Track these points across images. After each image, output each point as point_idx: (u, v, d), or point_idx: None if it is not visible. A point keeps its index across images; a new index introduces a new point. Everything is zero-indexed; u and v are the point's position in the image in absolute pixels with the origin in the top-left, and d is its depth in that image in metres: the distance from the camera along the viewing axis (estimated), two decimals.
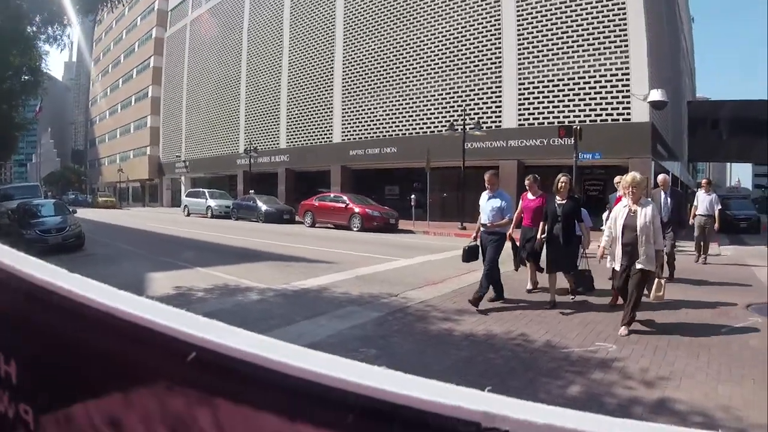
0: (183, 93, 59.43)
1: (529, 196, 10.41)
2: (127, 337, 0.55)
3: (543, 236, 9.36)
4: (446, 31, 30.83)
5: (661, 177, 12.67)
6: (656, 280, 7.69)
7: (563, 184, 9.09)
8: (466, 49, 29.98)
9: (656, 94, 21.56)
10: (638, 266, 7.45)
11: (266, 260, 15.92)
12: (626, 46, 24.79)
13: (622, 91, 24.78)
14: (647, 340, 7.38)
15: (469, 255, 9.64)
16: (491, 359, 6.59)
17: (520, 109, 27.73)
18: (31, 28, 14.16)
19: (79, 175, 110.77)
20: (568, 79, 26.14)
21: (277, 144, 42.61)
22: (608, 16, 25.28)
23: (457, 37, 30.34)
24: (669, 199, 12.25)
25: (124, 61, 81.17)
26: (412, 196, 28.11)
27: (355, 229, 25.93)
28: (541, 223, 9.46)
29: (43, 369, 0.63)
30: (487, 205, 9.36)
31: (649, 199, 8.27)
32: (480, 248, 9.51)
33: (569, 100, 26.12)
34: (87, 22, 15.04)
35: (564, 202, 9.06)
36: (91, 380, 0.60)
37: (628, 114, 24.59)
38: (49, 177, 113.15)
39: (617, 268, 7.86)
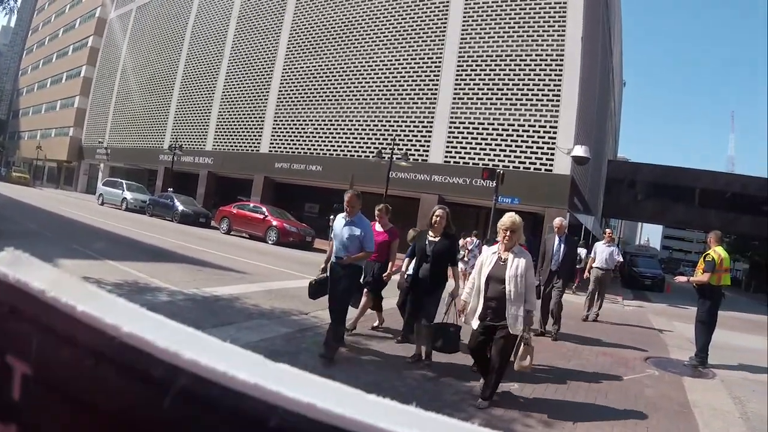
0: (116, 78, 57.46)
1: (377, 227, 9.25)
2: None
3: (406, 275, 8.27)
4: (387, 60, 31.08)
5: (557, 220, 12.08)
6: (523, 345, 6.32)
7: (438, 218, 7.89)
8: (404, 81, 30.22)
9: (580, 150, 22.42)
10: (502, 329, 6.20)
11: (178, 262, 15.74)
12: (558, 101, 25.47)
13: (548, 143, 25.40)
14: (546, 384, 7.67)
15: (317, 290, 8.09)
16: (396, 386, 6.77)
17: (447, 147, 28.10)
18: None
19: None
20: (498, 124, 26.69)
21: (203, 145, 41.86)
22: (545, 70, 26.01)
23: (397, 68, 30.60)
24: (563, 245, 11.55)
25: (62, 35, 78.16)
26: (331, 216, 28.22)
27: (270, 242, 25.88)
28: (406, 260, 8.52)
29: None
30: (343, 231, 7.67)
31: (524, 250, 6.71)
32: (330, 282, 7.81)
33: (496, 144, 26.63)
34: None
35: (437, 239, 7.87)
36: None
37: (551, 165, 25.27)
38: None
39: (474, 326, 6.50)
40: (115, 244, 18.38)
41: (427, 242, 7.93)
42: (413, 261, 8.22)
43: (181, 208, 31.79)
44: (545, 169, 25.47)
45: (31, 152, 71.20)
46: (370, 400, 0.41)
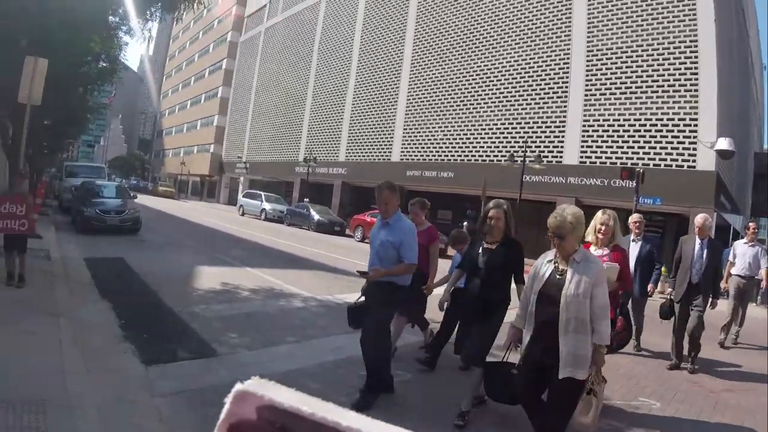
0: (251, 97, 60.83)
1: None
2: None
3: (448, 292, 6.44)
4: (515, 61, 30.64)
5: (699, 218, 8.88)
6: (586, 395, 4.55)
7: (494, 219, 5.72)
8: (533, 81, 29.65)
9: (724, 143, 21.07)
10: (563, 373, 4.29)
11: (313, 269, 16.14)
12: (696, 90, 24.06)
13: (689, 137, 24.07)
14: (693, 399, 6.97)
15: (356, 318, 6.18)
16: (508, 410, 5.69)
17: (582, 146, 27.21)
18: (114, 18, 14.61)
19: (143, 162, 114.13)
20: (635, 120, 25.59)
21: (336, 156, 43.03)
22: (680, 58, 24.69)
23: (525, 69, 30.07)
24: (705, 251, 8.64)
25: (198, 60, 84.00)
26: (464, 223, 27.96)
27: None
28: (455, 272, 6.70)
29: None
30: (378, 237, 5.95)
31: (600, 258, 5.27)
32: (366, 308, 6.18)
33: (634, 142, 25.54)
34: (167, 18, 15.41)
35: (493, 246, 5.76)
36: None
37: (693, 161, 23.90)
38: (115, 161, 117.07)
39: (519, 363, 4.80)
40: (254, 252, 19.17)
41: (480, 250, 5.83)
42: (463, 275, 6.42)
43: (316, 217, 32.70)
44: (688, 166, 24.08)
45: (176, 168, 76.20)
46: None
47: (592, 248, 5.75)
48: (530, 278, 4.76)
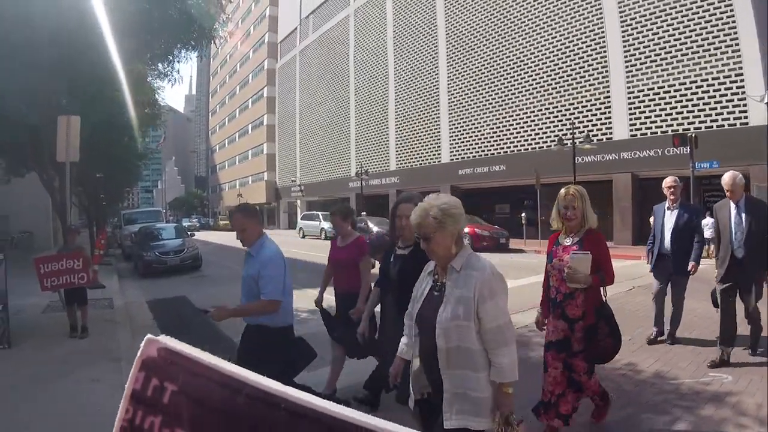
0: (296, 120, 61.91)
1: (338, 242, 6.41)
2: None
3: (366, 319, 5.63)
4: (549, 44, 30.39)
5: (727, 176, 6.83)
6: None
7: (403, 217, 4.61)
8: (570, 60, 29.40)
9: None
10: (449, 422, 3.03)
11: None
12: (737, 45, 23.43)
13: (737, 93, 23.48)
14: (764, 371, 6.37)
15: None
16: None
17: (631, 119, 26.78)
18: (141, 65, 14.96)
19: (202, 199, 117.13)
20: (679, 84, 25.06)
21: (387, 166, 43.33)
22: (715, 14, 24.09)
23: (561, 49, 29.79)
24: (743, 215, 6.73)
25: (239, 92, 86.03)
26: (523, 214, 27.82)
27: None
28: (374, 290, 5.58)
29: None
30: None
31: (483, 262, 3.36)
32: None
33: (682, 107, 25.02)
34: (202, 57, 15.87)
35: (406, 252, 4.73)
36: None
37: (746, 118, 23.24)
38: (174, 202, 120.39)
39: (410, 405, 3.46)
40: (314, 272, 19.02)
41: (392, 259, 4.88)
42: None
43: (375, 229, 32.60)
44: (740, 124, 23.44)
45: (233, 200, 77.70)
46: None
47: (561, 236, 4.85)
48: (412, 296, 3.43)
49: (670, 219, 7.83)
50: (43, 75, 10.97)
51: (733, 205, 6.81)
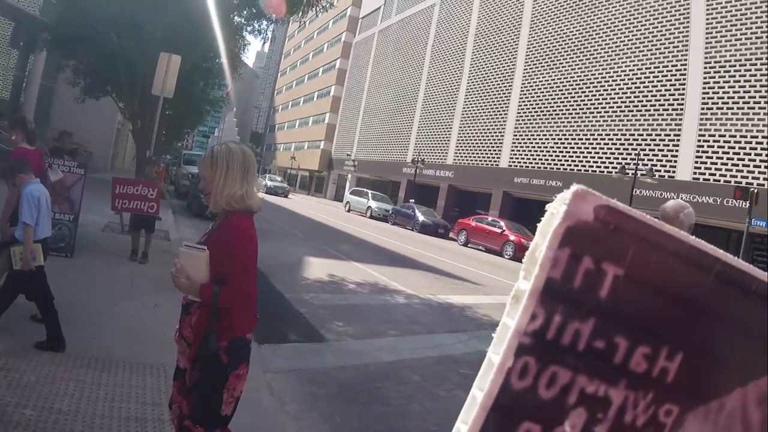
0: (363, 96, 62.36)
1: None
2: None
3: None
4: (629, 70, 30.02)
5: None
6: None
7: None
8: (647, 90, 29.00)
9: None
10: None
11: (416, 268, 16.43)
12: None
13: None
14: None
15: None
16: None
17: (696, 162, 26.41)
18: (240, 19, 15.38)
19: (255, 154, 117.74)
20: (751, 136, 24.61)
21: (444, 159, 43.39)
22: None
23: (639, 77, 29.44)
24: None
25: (312, 59, 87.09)
26: None
27: (506, 257, 25.84)
28: None
29: (710, 361, 0.72)
30: None
31: None
32: None
33: (750, 160, 24.59)
34: (288, 20, 16.30)
35: None
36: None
37: None
38: None
39: None
40: (359, 247, 19.71)
41: None
42: None
43: (421, 218, 33.04)
44: None
45: (286, 162, 78.88)
46: None
47: None
48: None
49: None
50: (143, 8, 11.34)
51: None
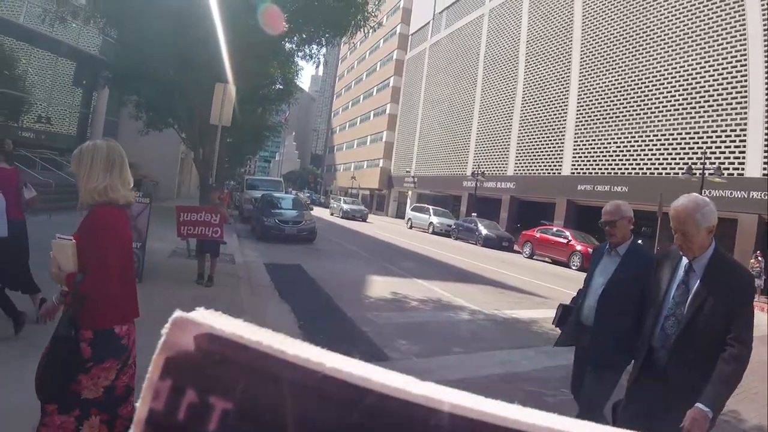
0: (418, 112, 62.71)
1: None
2: None
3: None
4: (689, 66, 29.15)
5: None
6: None
7: None
8: (709, 86, 28.03)
9: None
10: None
11: (480, 283, 16.30)
12: None
13: None
14: None
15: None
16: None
17: (766, 156, 25.34)
18: (291, 45, 15.77)
19: (316, 176, 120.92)
20: None
21: (505, 170, 42.98)
22: None
23: (700, 73, 28.49)
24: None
25: (366, 78, 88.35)
26: (639, 241, 26.93)
27: (574, 268, 25.34)
28: None
29: None
30: None
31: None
32: None
33: None
34: (338, 42, 16.74)
35: None
36: None
37: None
38: (289, 174, 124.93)
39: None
40: (422, 263, 19.71)
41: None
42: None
43: (484, 231, 32.89)
44: None
45: (346, 181, 79.86)
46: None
47: None
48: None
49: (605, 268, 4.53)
50: (194, 43, 11.64)
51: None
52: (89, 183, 3.00)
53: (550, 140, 38.56)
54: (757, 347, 3.30)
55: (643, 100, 31.51)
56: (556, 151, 37.82)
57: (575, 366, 4.71)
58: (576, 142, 36.07)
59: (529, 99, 41.53)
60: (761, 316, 13.37)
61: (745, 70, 26.46)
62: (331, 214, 46.56)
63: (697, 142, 28.00)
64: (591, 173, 34.45)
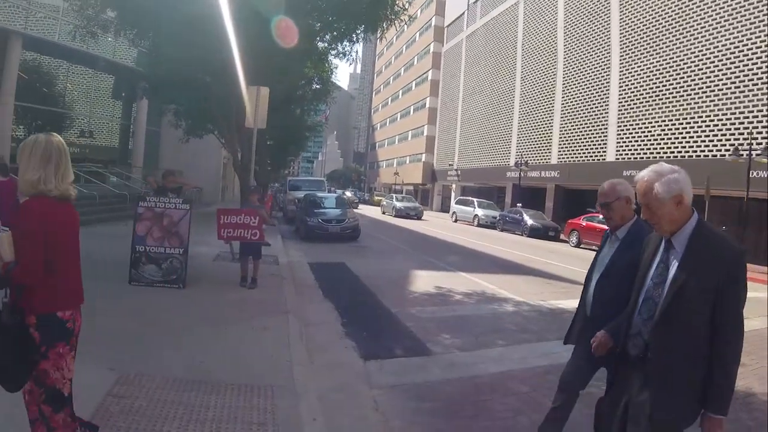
0: (458, 104, 62.46)
1: None
2: None
3: None
4: (730, 44, 28.16)
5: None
6: None
7: None
8: (752, 64, 26.91)
9: None
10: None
11: (526, 274, 16.21)
12: None
13: None
14: None
15: None
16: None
17: None
18: (323, 44, 15.85)
19: (359, 174, 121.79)
20: None
21: (548, 159, 42.56)
22: None
23: (744, 51, 27.50)
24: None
25: (404, 73, 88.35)
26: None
27: None
28: None
29: None
30: None
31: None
32: None
33: None
34: (371, 38, 16.84)
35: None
36: None
37: None
38: (332, 174, 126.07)
39: None
40: (466, 257, 19.71)
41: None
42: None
43: (530, 222, 32.72)
44: None
45: (390, 178, 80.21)
46: None
47: None
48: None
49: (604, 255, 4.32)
50: (219, 48, 11.77)
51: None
52: (25, 174, 3.12)
53: (594, 126, 37.97)
54: None
55: (687, 82, 30.70)
56: (600, 137, 37.22)
57: (573, 357, 4.64)
58: (619, 127, 35.43)
59: (570, 85, 40.98)
60: None
61: None
62: (383, 213, 46.31)
63: (743, 122, 27.15)
64: (636, 158, 33.76)
